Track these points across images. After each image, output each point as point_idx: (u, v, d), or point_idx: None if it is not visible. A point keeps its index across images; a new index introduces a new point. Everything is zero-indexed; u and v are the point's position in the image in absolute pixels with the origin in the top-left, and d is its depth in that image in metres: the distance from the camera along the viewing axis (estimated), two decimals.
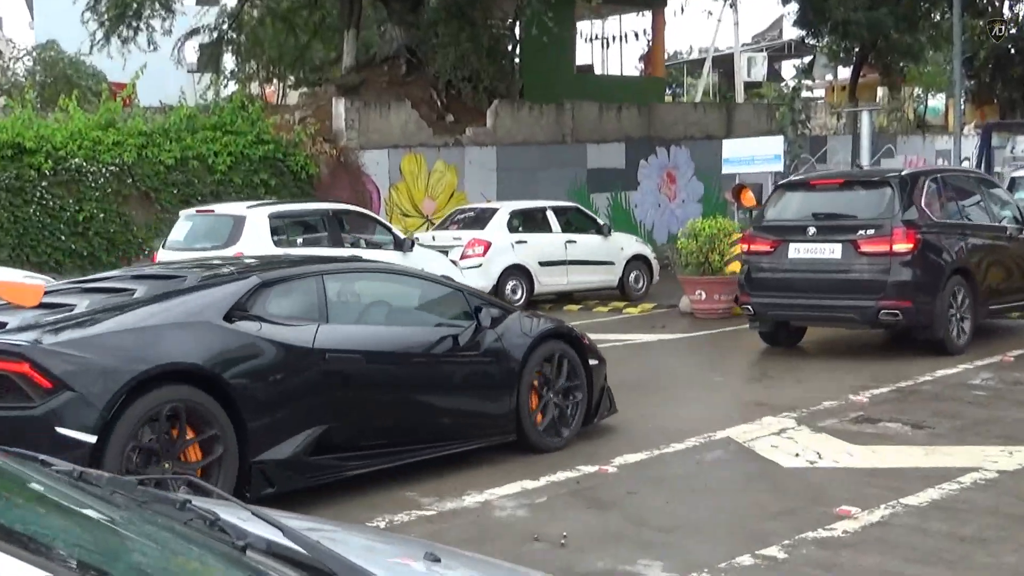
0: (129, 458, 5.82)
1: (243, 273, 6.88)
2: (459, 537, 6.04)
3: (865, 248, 11.76)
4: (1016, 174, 20.64)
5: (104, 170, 18.05)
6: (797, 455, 7.82)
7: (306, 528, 2.17)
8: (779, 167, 18.58)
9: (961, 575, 5.36)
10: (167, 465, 5.93)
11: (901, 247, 11.62)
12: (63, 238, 17.69)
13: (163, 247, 14.94)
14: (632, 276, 19.10)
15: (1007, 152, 26.17)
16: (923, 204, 12.00)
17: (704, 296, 16.14)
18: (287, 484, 6.48)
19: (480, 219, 18.12)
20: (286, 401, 6.47)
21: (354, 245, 14.66)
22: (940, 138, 35.67)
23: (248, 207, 14.59)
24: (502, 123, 24.16)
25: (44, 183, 17.46)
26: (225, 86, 27.00)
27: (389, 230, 15.54)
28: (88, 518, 1.76)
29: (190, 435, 6.09)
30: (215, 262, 7.66)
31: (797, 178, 13.69)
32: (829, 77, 44.04)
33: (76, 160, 17.80)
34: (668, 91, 46.08)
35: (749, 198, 17.61)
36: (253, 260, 7.78)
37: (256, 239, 13.77)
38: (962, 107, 31.17)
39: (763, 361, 12.24)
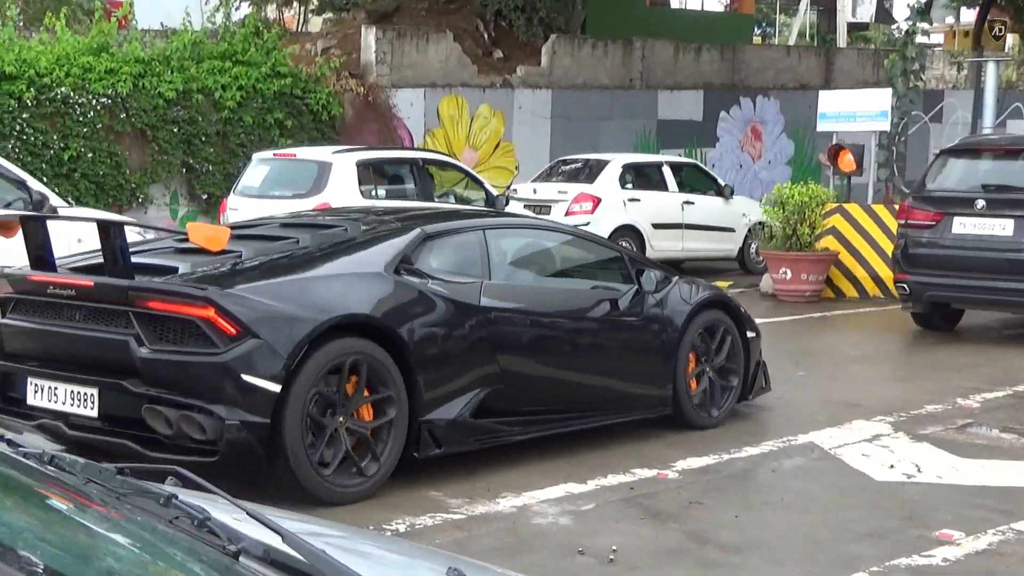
0: (309, 410, 6.49)
1: (406, 225, 7.54)
2: (490, 546, 6.07)
3: None
4: None
5: (94, 102, 18.19)
6: (892, 467, 7.79)
7: (310, 532, 2.18)
8: (885, 125, 18.43)
9: None
10: (341, 419, 6.62)
11: None
12: (44, 180, 17.87)
13: (234, 193, 15.44)
14: (754, 247, 19.30)
15: None
16: None
17: (790, 275, 16.06)
18: (454, 445, 7.15)
19: (588, 171, 18.54)
20: (454, 360, 7.11)
21: (443, 199, 15.18)
22: None
23: (334, 152, 15.12)
24: (559, 62, 24.10)
25: (25, 115, 17.62)
26: (237, 8, 27.08)
27: (480, 184, 15.96)
28: (56, 513, 1.77)
29: (365, 393, 6.75)
30: (365, 212, 8.53)
31: (965, 144, 13.93)
32: (949, 20, 43.52)
33: (62, 89, 17.94)
34: (757, 31, 45.78)
35: (848, 162, 17.47)
36: (409, 211, 8.66)
37: (343, 188, 14.24)
38: None
39: (856, 355, 12.18)
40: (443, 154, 17.16)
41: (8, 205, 11.85)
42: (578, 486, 7.22)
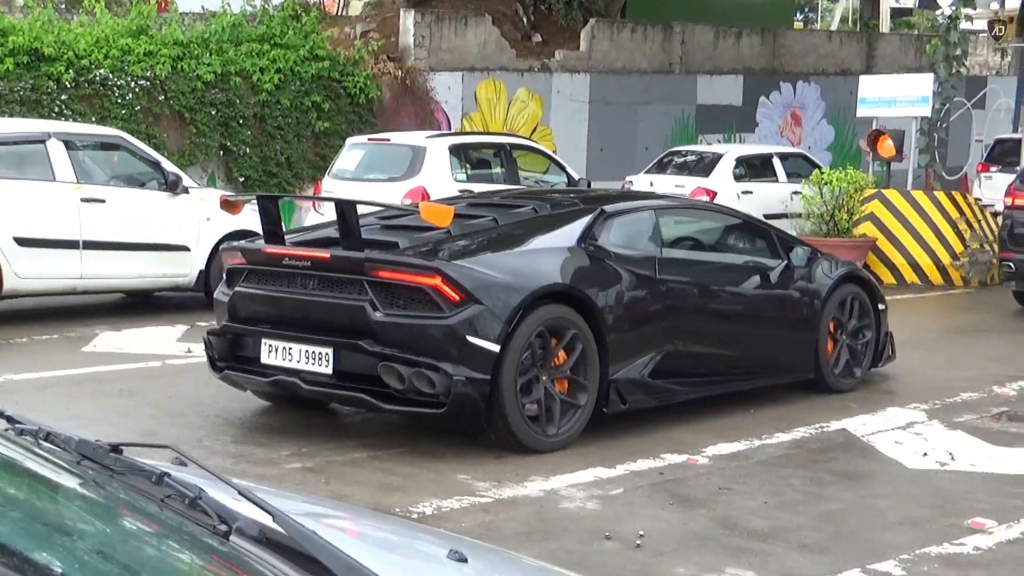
0: (521, 368, 7.36)
1: (588, 205, 8.50)
2: (517, 531, 6.05)
3: None
4: None
5: (133, 84, 18.24)
6: (925, 455, 7.71)
7: (311, 513, 2.15)
8: (926, 111, 18.26)
9: None
10: (544, 378, 7.49)
11: None
12: None
13: (328, 175, 15.86)
14: None
15: None
16: None
17: None
18: (636, 403, 8.05)
19: (703, 164, 19.01)
20: (637, 325, 8.03)
21: (528, 183, 15.62)
22: None
23: (427, 137, 15.67)
24: (598, 46, 23.99)
25: (64, 96, 17.69)
26: None
27: (563, 168, 16.31)
28: (49, 492, 1.75)
29: (564, 355, 7.64)
30: (544, 194, 9.96)
31: None
32: (995, 6, 43.07)
33: (101, 71, 18.01)
34: (798, 16, 45.46)
35: (888, 147, 17.33)
36: (584, 194, 9.97)
37: (437, 172, 14.86)
38: None
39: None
40: (528, 139, 17.54)
41: (143, 185, 12.90)
42: (607, 470, 7.19)
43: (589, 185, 16.07)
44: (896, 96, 18.17)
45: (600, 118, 23.59)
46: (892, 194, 16.76)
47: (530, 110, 23.01)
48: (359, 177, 15.29)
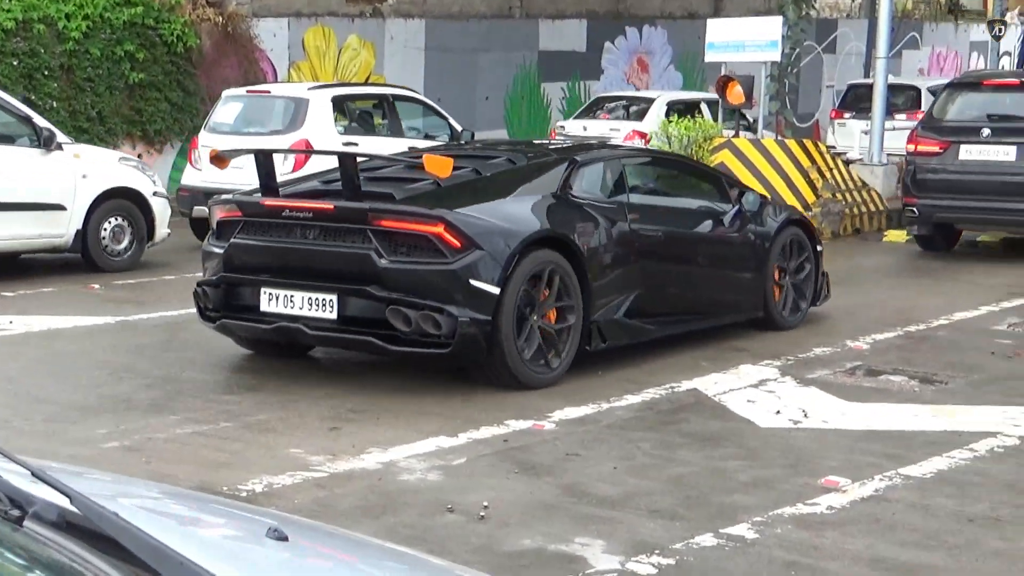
0: (517, 310, 8.21)
1: (560, 156, 9.46)
2: (353, 506, 6.04)
3: None
4: None
5: None
6: (778, 413, 7.89)
7: (122, 494, 2.11)
8: (775, 56, 18.59)
9: (967, 564, 5.44)
10: (535, 318, 8.38)
11: None
12: None
13: (205, 130, 16.11)
14: None
15: None
16: None
17: None
18: (615, 341, 9.01)
19: (636, 109, 20.26)
20: (613, 268, 8.98)
21: (415, 135, 16.30)
22: (976, 27, 35.76)
23: (309, 89, 16.18)
24: None
25: None
26: None
27: (446, 119, 16.88)
28: None
29: (553, 296, 8.52)
30: (511, 145, 10.85)
31: (969, 77, 16.62)
32: None
33: None
34: None
35: (737, 94, 17.58)
36: (547, 145, 10.98)
37: (320, 124, 15.38)
38: None
39: None
40: (410, 90, 17.95)
41: (13, 141, 12.95)
42: (449, 440, 7.21)
43: (473, 137, 16.65)
44: (745, 40, 18.43)
45: (437, 66, 23.53)
46: (742, 142, 17.05)
47: (362, 58, 22.85)
48: (238, 131, 15.58)
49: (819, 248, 10.98)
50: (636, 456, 6.97)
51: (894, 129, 22.09)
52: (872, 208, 17.72)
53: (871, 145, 19.38)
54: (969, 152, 14.70)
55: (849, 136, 23.27)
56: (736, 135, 17.84)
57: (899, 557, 5.48)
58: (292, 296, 8.39)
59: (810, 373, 8.99)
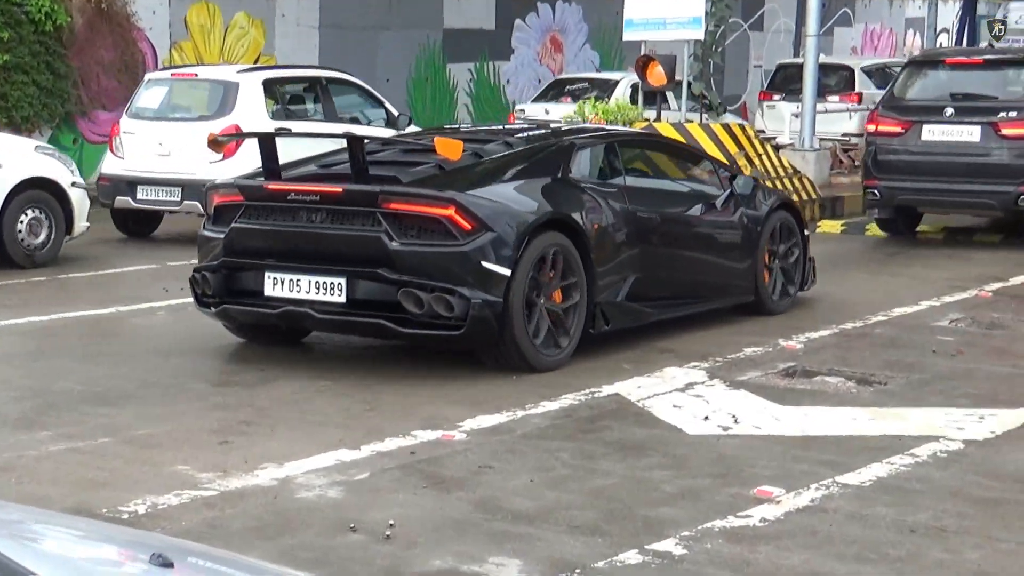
0: (529, 292, 8.88)
1: (559, 138, 10.15)
2: (247, 527, 5.99)
3: (1006, 131, 14.88)
4: None
5: None
6: (707, 419, 7.95)
7: None
8: (699, 34, 18.70)
9: None
10: (543, 300, 9.01)
11: None
12: None
13: (127, 115, 16.39)
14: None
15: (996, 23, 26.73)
16: None
17: None
18: (616, 324, 9.67)
19: (597, 91, 21.18)
20: (616, 251, 9.64)
21: (350, 120, 16.64)
22: (911, 3, 36.25)
23: (238, 72, 16.55)
24: None
25: None
26: None
27: (382, 104, 17.38)
28: None
29: (559, 278, 9.16)
30: (501, 130, 11.13)
31: (930, 55, 17.78)
32: None
33: None
34: None
35: (658, 75, 17.69)
36: (541, 127, 11.28)
37: (251, 109, 15.78)
38: None
39: None
40: (344, 72, 18.23)
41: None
42: (351, 453, 7.18)
43: (410, 121, 17.12)
44: (665, 17, 18.52)
45: (333, 46, 23.42)
46: (664, 127, 17.14)
47: (251, 37, 22.71)
48: (163, 116, 16.13)
49: (806, 232, 11.72)
50: (554, 467, 6.98)
51: (826, 112, 22.37)
52: (804, 196, 17.89)
53: (802, 129, 19.59)
54: (932, 132, 15.28)
55: (779, 119, 23.51)
56: (658, 118, 17.95)
57: (838, 571, 5.53)
58: (298, 280, 8.94)
59: (740, 375, 9.06)
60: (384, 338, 9.21)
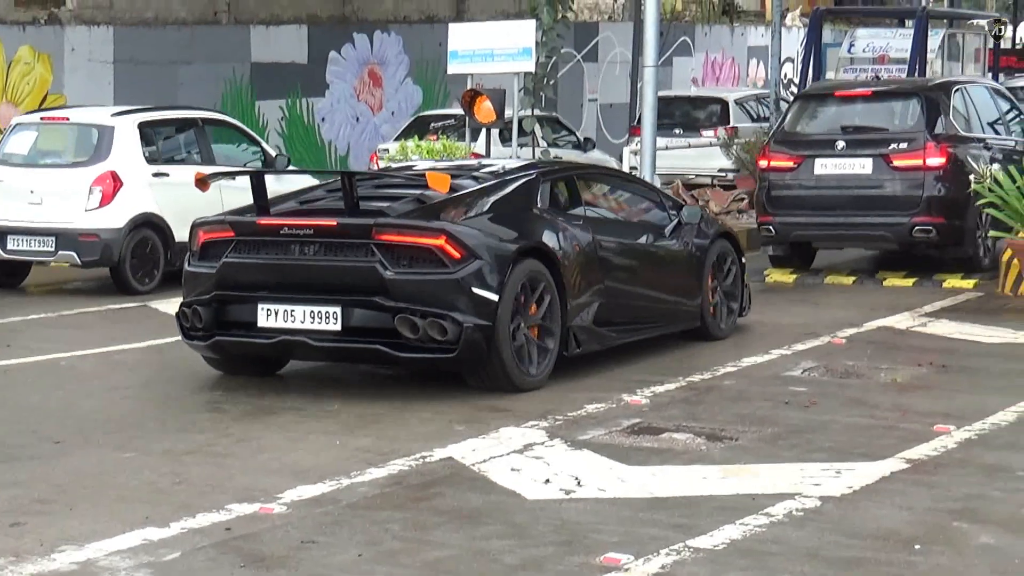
0: (513, 317, 10.17)
1: (527, 173, 11.42)
2: None
3: (897, 162, 15.95)
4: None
5: None
6: (548, 482, 8.00)
7: None
8: (529, 66, 18.82)
9: None
10: (522, 324, 10.30)
11: (935, 161, 15.84)
12: None
13: None
14: None
15: (843, 51, 27.41)
16: (951, 117, 16.50)
17: None
18: (587, 347, 11.06)
19: (463, 129, 21.10)
20: (584, 277, 10.98)
21: (226, 161, 17.23)
22: (754, 29, 37.06)
23: (113, 115, 16.94)
24: None
25: None
26: None
27: (259, 144, 18.11)
28: None
29: (535, 307, 10.47)
30: (471, 165, 12.34)
31: (819, 88, 19.04)
32: None
33: None
34: None
35: (487, 111, 17.81)
36: (505, 162, 12.81)
37: (128, 153, 16.38)
38: None
39: None
40: (221, 112, 19.27)
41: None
42: (159, 531, 7.09)
43: (289, 162, 17.93)
44: (493, 48, 18.65)
45: (129, 82, 23.19)
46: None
47: (37, 74, 22.44)
48: (34, 162, 16.55)
49: (743, 260, 13.10)
50: (384, 540, 6.97)
51: (688, 147, 22.85)
52: None
53: (641, 166, 19.82)
54: (824, 166, 16.38)
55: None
56: (487, 155, 18.07)
57: None
58: (292, 310, 10.09)
59: (582, 434, 9.13)
60: (380, 364, 10.66)
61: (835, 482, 7.94)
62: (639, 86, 23.62)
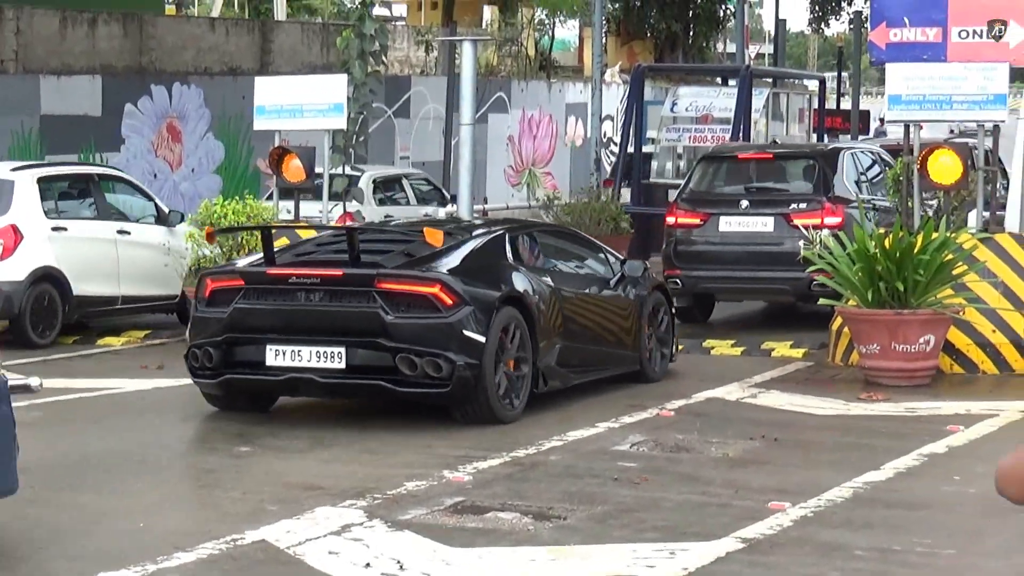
0: (497, 356, 11.93)
1: (493, 229, 13.63)
2: None
3: (797, 220, 17.64)
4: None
5: None
6: (368, 566, 7.97)
7: None
8: (341, 122, 18.79)
9: None
10: (500, 364, 12.00)
11: (832, 220, 17.51)
12: None
13: None
14: None
15: (666, 110, 27.81)
16: (845, 179, 18.58)
17: None
18: (554, 384, 12.85)
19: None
20: (549, 323, 12.78)
21: (120, 217, 18.36)
22: (573, 85, 37.47)
23: (12, 169, 17.76)
24: None
25: None
26: None
27: (152, 200, 19.13)
28: None
29: (515, 345, 12.24)
30: (440, 222, 16.15)
31: (723, 150, 21.28)
32: None
33: None
34: None
35: (296, 170, 17.68)
36: (467, 220, 16.35)
37: (27, 207, 17.12)
38: (603, 41, 32.94)
39: (306, 423, 12.40)
40: (116, 168, 20.42)
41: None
42: None
43: (182, 218, 18.70)
44: (302, 104, 18.55)
45: None
46: (310, 236, 17.17)
47: None
48: None
49: (673, 310, 15.04)
50: None
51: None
52: None
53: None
54: (729, 224, 18.25)
55: None
56: (296, 218, 17.99)
57: None
58: (299, 351, 11.76)
59: (403, 514, 9.11)
60: (380, 398, 12.29)
61: (669, 563, 8.01)
62: (453, 143, 23.83)
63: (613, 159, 30.35)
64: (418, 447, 11.15)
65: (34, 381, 8.28)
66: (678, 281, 17.95)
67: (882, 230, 14.90)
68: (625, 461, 10.78)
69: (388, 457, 10.80)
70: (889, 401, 13.15)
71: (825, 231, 16.84)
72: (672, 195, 22.43)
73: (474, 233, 13.28)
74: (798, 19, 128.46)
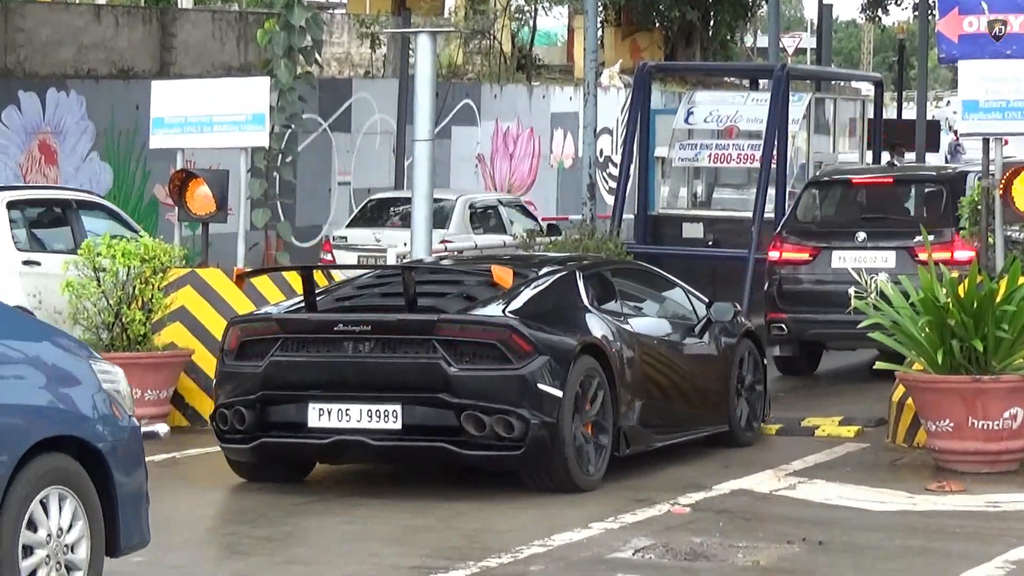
0: (574, 414, 12.76)
1: (568, 267, 14.47)
2: None
3: (923, 256, 17.01)
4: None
5: None
6: None
7: None
8: (262, 138, 18.68)
9: None
10: (580, 423, 12.88)
11: (963, 255, 18.02)
12: None
13: None
14: None
15: (679, 121, 27.60)
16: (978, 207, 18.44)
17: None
18: (635, 448, 13.74)
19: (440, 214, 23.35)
20: (632, 376, 13.67)
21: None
22: (560, 90, 37.36)
23: None
24: None
25: None
26: None
27: (131, 227, 19.96)
28: None
29: (593, 401, 13.12)
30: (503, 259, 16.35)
31: (835, 174, 21.99)
32: None
33: None
34: None
35: (204, 199, 17.66)
36: (526, 256, 18.13)
37: None
38: (599, 33, 32.94)
39: (248, 519, 12.36)
40: (92, 193, 21.93)
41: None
42: None
43: None
44: (212, 115, 18.42)
45: None
46: (214, 275, 17.13)
47: None
48: None
49: (764, 362, 15.85)
50: None
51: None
52: None
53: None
54: (843, 259, 19.17)
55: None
56: (204, 263, 17.95)
57: None
58: (348, 409, 12.49)
59: None
60: (442, 462, 13.00)
61: None
62: (407, 165, 23.76)
63: (612, 183, 30.31)
64: (362, 555, 11.07)
65: (162, 428, 9.69)
66: (783, 326, 19.23)
67: (955, 274, 14.72)
68: (626, 572, 10.69)
69: (322, 569, 10.73)
70: (966, 493, 13.12)
71: (883, 275, 17.73)
72: (687, 229, 23.60)
73: (542, 272, 14.03)
74: (848, 5, 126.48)
